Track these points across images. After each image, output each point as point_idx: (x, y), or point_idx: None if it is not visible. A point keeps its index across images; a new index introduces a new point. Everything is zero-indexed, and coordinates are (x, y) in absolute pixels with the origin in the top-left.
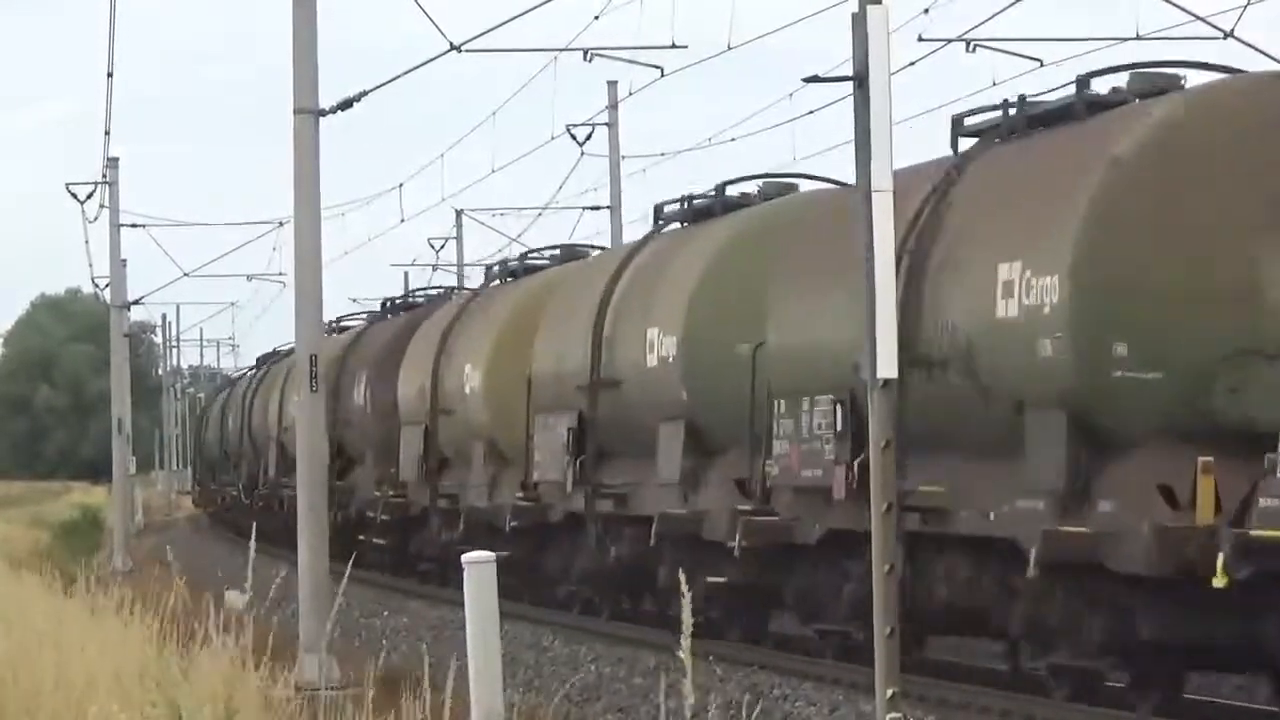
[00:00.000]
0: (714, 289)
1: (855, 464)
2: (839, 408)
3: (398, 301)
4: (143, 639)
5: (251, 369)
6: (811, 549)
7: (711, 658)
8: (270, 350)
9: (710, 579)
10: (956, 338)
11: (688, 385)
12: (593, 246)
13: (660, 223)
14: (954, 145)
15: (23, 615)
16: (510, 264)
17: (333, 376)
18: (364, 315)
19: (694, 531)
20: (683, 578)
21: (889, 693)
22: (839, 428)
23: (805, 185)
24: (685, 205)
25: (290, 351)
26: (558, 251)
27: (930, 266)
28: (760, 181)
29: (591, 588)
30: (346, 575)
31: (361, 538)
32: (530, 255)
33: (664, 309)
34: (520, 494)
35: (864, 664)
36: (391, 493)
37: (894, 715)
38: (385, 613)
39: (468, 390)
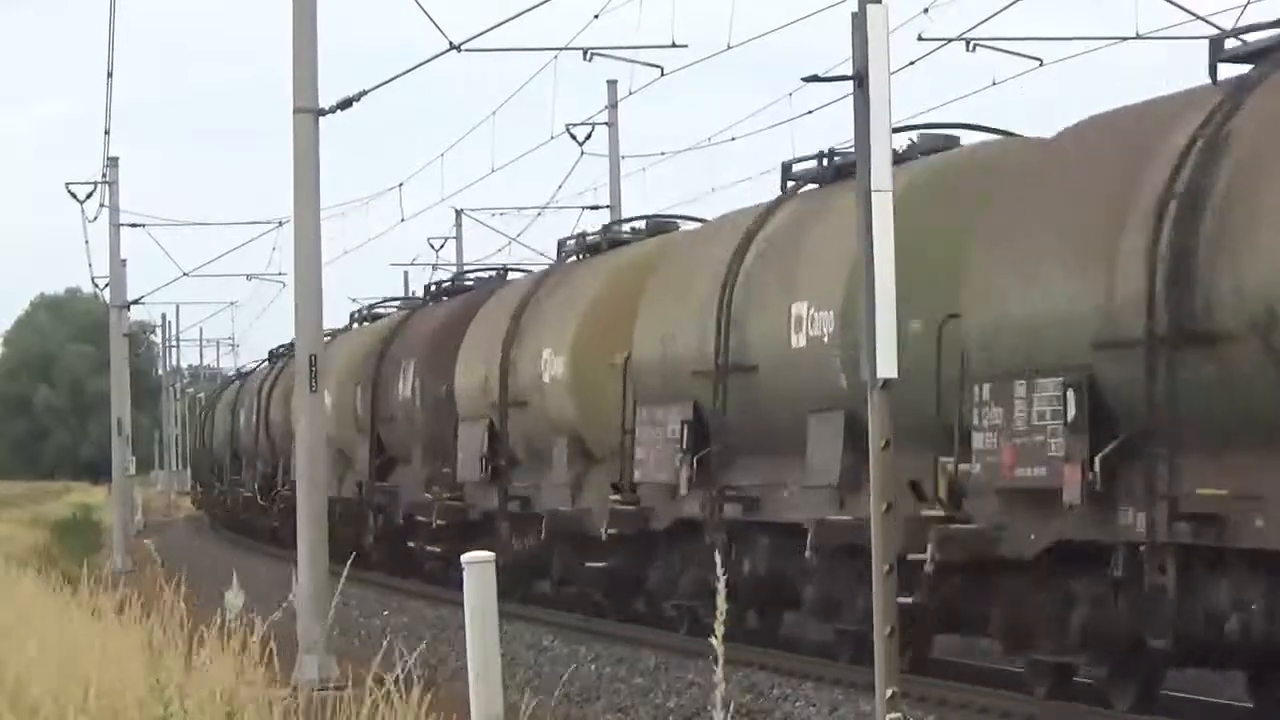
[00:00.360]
0: None
1: (1097, 460)
2: (1071, 392)
3: (444, 285)
4: (143, 639)
5: (264, 362)
6: (1027, 564)
7: (712, 657)
8: (289, 342)
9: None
10: (1250, 304)
11: (849, 369)
12: (684, 218)
13: (791, 184)
14: (1213, 73)
15: (24, 616)
16: (590, 238)
17: (371, 367)
18: (398, 302)
19: (858, 542)
20: (718, 558)
21: (889, 693)
22: (1071, 416)
23: (966, 138)
24: (825, 163)
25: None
26: (641, 225)
27: (1209, 215)
28: (914, 135)
29: (708, 605)
30: (344, 576)
31: (411, 544)
32: (613, 228)
33: (815, 280)
34: (616, 497)
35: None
36: (446, 495)
37: (894, 715)
38: (385, 612)
39: (547, 379)
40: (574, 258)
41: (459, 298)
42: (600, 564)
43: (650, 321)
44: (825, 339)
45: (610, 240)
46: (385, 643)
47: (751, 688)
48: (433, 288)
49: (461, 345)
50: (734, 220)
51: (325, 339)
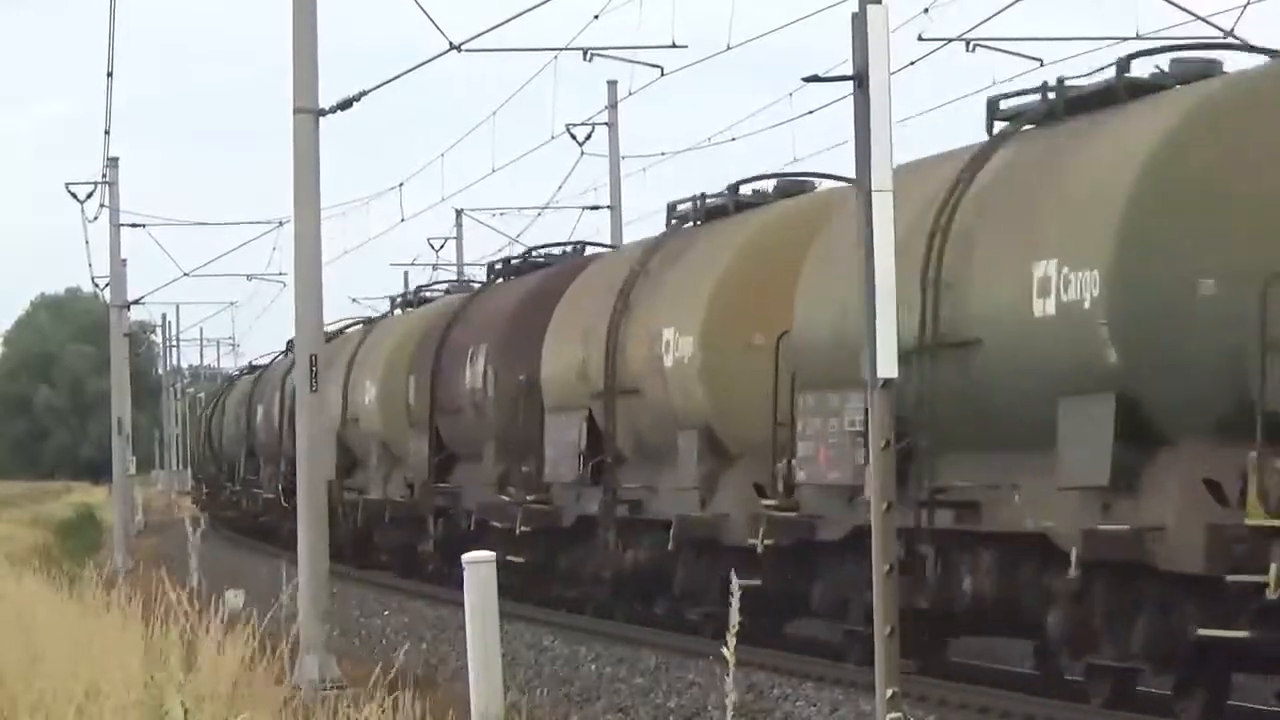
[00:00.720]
0: (1162, 197)
1: None
2: None
3: (513, 262)
4: (145, 639)
5: (282, 354)
6: None
7: (712, 657)
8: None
9: (1205, 632)
10: None
11: (1121, 342)
12: (824, 176)
13: (1001, 117)
14: None
15: (26, 615)
16: (712, 201)
17: (429, 355)
18: (445, 285)
19: (1139, 557)
20: (733, 577)
21: (889, 693)
22: None
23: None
24: (1049, 96)
25: (345, 328)
26: (767, 186)
27: None
28: (1158, 63)
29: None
30: (345, 582)
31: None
32: (740, 187)
33: (1069, 233)
34: (770, 501)
35: None
36: (530, 498)
37: (894, 715)
38: (385, 612)
39: (669, 363)
40: (691, 223)
41: (533, 276)
42: (752, 581)
43: (818, 293)
44: (1086, 304)
45: (738, 203)
46: (385, 642)
47: (751, 688)
48: (498, 265)
49: (549, 327)
50: (931, 166)
51: (359, 325)
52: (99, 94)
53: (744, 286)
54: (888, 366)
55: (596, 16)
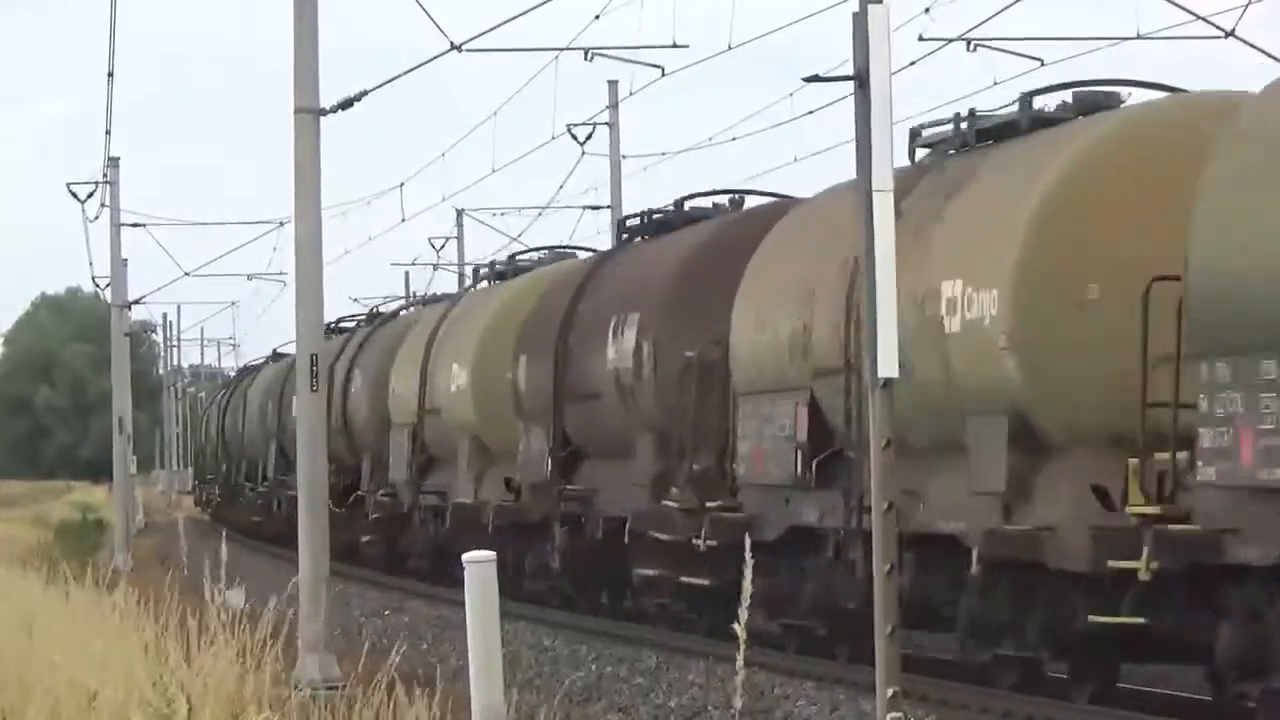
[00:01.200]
0: None
1: None
2: None
3: (656, 216)
4: (146, 639)
5: (331, 334)
6: None
7: (712, 658)
8: (376, 307)
9: None
10: None
11: None
12: (1137, 84)
13: None
14: None
15: (27, 616)
16: (984, 123)
17: (550, 331)
18: (539, 255)
19: None
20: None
21: (889, 693)
22: None
23: None
24: None
25: (402, 309)
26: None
27: None
28: None
29: None
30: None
31: (647, 571)
32: (1029, 102)
33: None
34: (1147, 509)
35: None
36: (714, 504)
37: (894, 715)
38: (386, 612)
39: (954, 328)
40: (950, 151)
41: (695, 229)
42: (1131, 618)
43: (1238, 220)
44: None
45: (1032, 119)
46: (385, 642)
47: (752, 688)
48: (631, 222)
49: (740, 289)
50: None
51: (418, 306)
52: (99, 94)
53: (1074, 221)
54: (888, 367)
55: (597, 16)
